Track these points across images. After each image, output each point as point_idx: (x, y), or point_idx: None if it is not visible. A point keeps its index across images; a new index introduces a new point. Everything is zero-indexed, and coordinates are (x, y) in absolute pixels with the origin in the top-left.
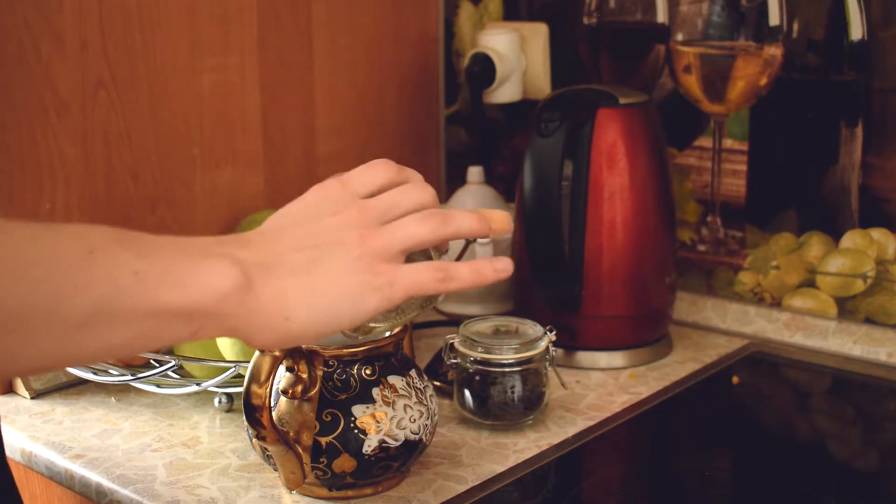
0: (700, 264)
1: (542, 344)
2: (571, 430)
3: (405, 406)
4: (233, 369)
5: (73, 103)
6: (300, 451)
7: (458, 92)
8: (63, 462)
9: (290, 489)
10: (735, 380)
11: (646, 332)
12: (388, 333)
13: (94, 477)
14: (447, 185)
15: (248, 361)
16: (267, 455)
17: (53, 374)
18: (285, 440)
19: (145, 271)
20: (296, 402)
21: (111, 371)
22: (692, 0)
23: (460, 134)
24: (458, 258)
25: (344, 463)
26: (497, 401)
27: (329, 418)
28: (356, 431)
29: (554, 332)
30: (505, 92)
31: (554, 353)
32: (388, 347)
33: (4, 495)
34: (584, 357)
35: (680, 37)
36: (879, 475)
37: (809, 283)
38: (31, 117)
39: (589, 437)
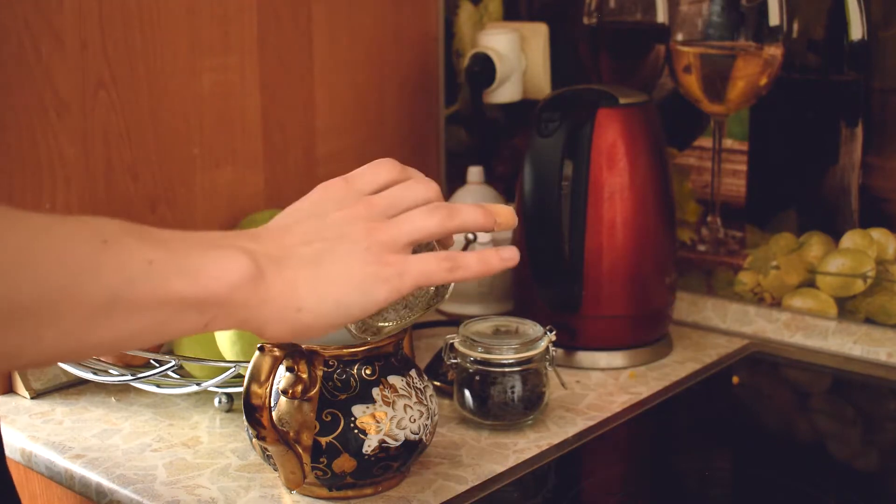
0: (700, 264)
1: (542, 344)
2: (571, 430)
3: (405, 406)
4: (233, 369)
5: (73, 103)
6: (300, 451)
7: (458, 92)
8: (63, 462)
9: (290, 489)
10: (735, 380)
11: (646, 332)
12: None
13: (94, 477)
14: (447, 185)
15: (248, 361)
16: (267, 455)
17: (53, 374)
18: (285, 440)
19: (158, 261)
20: (296, 402)
21: (111, 371)
22: (692, 0)
23: (460, 134)
24: None
25: (344, 463)
26: (497, 401)
27: (329, 418)
28: (356, 431)
29: (554, 332)
30: (505, 92)
31: (554, 353)
32: (388, 347)
33: (4, 496)
34: (584, 357)
35: (680, 37)
36: (879, 475)
37: (809, 283)
38: (31, 117)
39: (589, 437)
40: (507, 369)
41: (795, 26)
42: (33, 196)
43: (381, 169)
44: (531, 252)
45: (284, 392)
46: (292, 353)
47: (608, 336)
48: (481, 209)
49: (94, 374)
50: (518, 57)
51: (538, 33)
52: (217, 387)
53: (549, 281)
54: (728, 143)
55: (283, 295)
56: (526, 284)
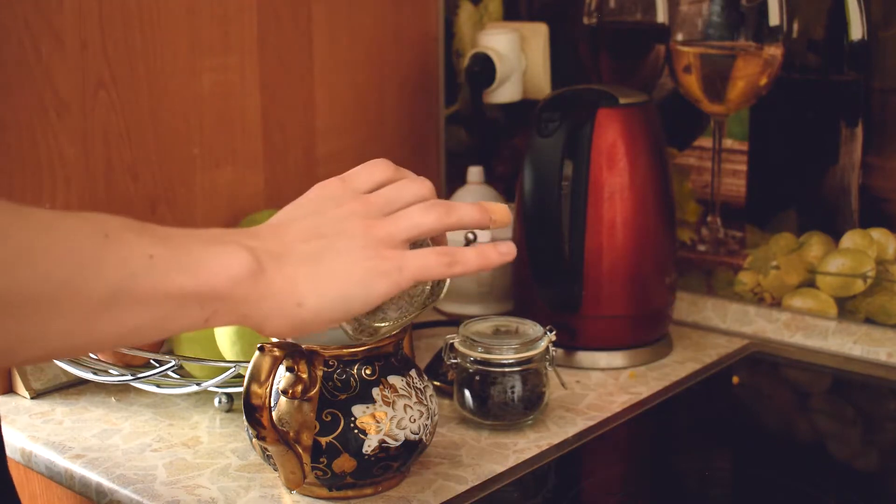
0: (700, 264)
1: (542, 344)
2: (571, 430)
3: (405, 406)
4: (233, 369)
5: (73, 103)
6: (300, 451)
7: (458, 92)
8: (63, 462)
9: (290, 489)
10: (735, 380)
11: (646, 332)
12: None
13: (94, 477)
14: (447, 185)
15: (248, 361)
16: (267, 455)
17: (53, 374)
18: (285, 440)
19: (160, 256)
20: (296, 402)
21: (111, 371)
22: (692, 0)
23: (460, 134)
24: None
25: (344, 463)
26: (497, 401)
27: (329, 418)
28: (356, 431)
29: (554, 332)
30: (505, 92)
31: (554, 353)
32: (388, 347)
33: (5, 496)
34: (584, 357)
35: (680, 37)
36: (879, 475)
37: (809, 283)
38: (31, 117)
39: (589, 437)
40: (507, 369)
41: (795, 26)
42: (33, 196)
43: (376, 169)
44: (531, 252)
45: (284, 392)
46: (292, 353)
47: (608, 336)
48: (477, 206)
49: (94, 374)
50: (518, 57)
51: (538, 33)
52: (217, 387)
53: (549, 281)
54: (728, 143)
55: (284, 290)
56: (526, 284)
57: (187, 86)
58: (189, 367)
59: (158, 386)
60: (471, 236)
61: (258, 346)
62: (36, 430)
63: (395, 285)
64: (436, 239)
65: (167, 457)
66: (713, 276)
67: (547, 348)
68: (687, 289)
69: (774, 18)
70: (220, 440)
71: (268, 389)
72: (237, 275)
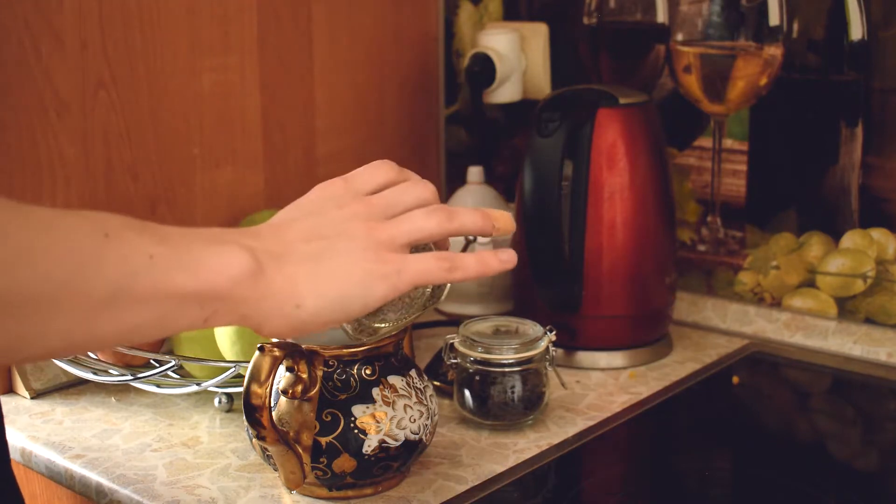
0: (700, 264)
1: (542, 344)
2: (571, 430)
3: (405, 406)
4: (233, 369)
5: (73, 103)
6: (300, 451)
7: (458, 92)
8: (63, 462)
9: (290, 489)
10: (735, 380)
11: (646, 332)
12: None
13: (94, 477)
14: (447, 185)
15: (248, 361)
16: (267, 455)
17: (53, 374)
18: (285, 440)
19: (160, 255)
20: (296, 402)
21: (111, 371)
22: (692, 0)
23: (460, 134)
24: None
25: (344, 463)
26: (497, 401)
27: (329, 418)
28: (356, 431)
29: (554, 332)
30: (505, 92)
31: (554, 353)
32: (388, 347)
33: (8, 496)
34: (584, 357)
35: (680, 37)
36: (879, 475)
37: (809, 283)
38: (31, 117)
39: (589, 437)
40: (507, 369)
41: (795, 26)
42: (33, 196)
43: (379, 170)
44: (531, 252)
45: (284, 392)
46: (292, 353)
47: (608, 336)
48: (480, 213)
49: (94, 374)
50: (518, 57)
51: (538, 33)
52: (217, 387)
53: (549, 281)
54: (728, 143)
55: (283, 290)
56: (526, 284)
57: (187, 86)
58: (189, 367)
59: (158, 386)
60: (471, 237)
61: (258, 346)
62: (36, 430)
63: (393, 289)
64: (438, 243)
65: (167, 457)
66: (713, 276)
67: (547, 348)
68: (687, 289)
69: (774, 18)
70: (220, 440)
71: (268, 389)
72: (237, 275)
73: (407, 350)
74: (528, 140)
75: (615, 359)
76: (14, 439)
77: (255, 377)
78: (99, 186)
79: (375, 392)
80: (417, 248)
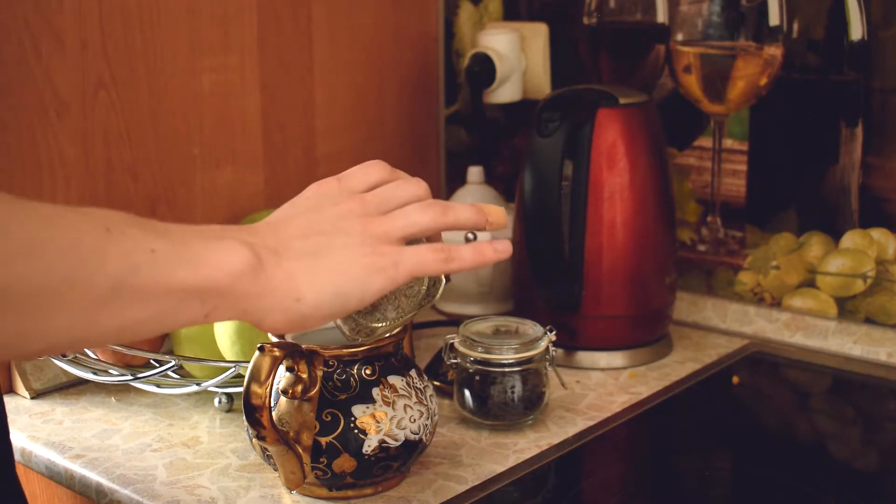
0: (700, 264)
1: (542, 344)
2: (571, 430)
3: (405, 406)
4: (233, 369)
5: (73, 103)
6: (300, 451)
7: (458, 92)
8: (63, 462)
9: (290, 489)
10: (735, 380)
11: (646, 332)
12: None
13: (94, 477)
14: (447, 185)
15: (248, 361)
16: (267, 455)
17: (53, 374)
18: (285, 440)
19: (161, 250)
20: (296, 402)
21: (111, 371)
22: (692, 0)
23: (460, 134)
24: None
25: (344, 463)
26: (497, 401)
27: (329, 418)
28: (356, 431)
29: (554, 332)
30: (505, 92)
31: (554, 353)
32: (388, 347)
33: (11, 496)
34: (584, 357)
35: (680, 37)
36: (879, 475)
37: (809, 283)
38: (31, 117)
39: (589, 437)
40: (507, 369)
41: (795, 26)
42: (33, 196)
43: (372, 169)
44: (531, 252)
45: (284, 392)
46: (292, 353)
47: (608, 336)
48: (474, 207)
49: (94, 374)
50: (518, 57)
51: (538, 33)
52: (217, 387)
53: (549, 281)
54: (728, 143)
55: (283, 285)
56: (526, 284)
57: (187, 86)
58: (189, 367)
59: (158, 386)
60: (471, 235)
61: (258, 346)
62: (36, 430)
63: (391, 280)
64: (431, 239)
65: (167, 457)
66: (713, 276)
67: (547, 348)
68: (687, 289)
69: (774, 18)
70: (220, 440)
71: (268, 389)
72: (237, 270)
73: (407, 350)
74: (528, 140)
75: (615, 359)
76: (14, 439)
77: (255, 377)
78: (99, 186)
79: (375, 392)
80: (411, 243)
